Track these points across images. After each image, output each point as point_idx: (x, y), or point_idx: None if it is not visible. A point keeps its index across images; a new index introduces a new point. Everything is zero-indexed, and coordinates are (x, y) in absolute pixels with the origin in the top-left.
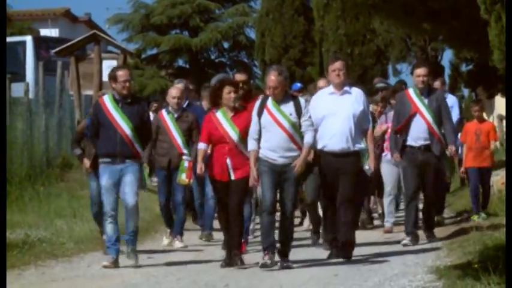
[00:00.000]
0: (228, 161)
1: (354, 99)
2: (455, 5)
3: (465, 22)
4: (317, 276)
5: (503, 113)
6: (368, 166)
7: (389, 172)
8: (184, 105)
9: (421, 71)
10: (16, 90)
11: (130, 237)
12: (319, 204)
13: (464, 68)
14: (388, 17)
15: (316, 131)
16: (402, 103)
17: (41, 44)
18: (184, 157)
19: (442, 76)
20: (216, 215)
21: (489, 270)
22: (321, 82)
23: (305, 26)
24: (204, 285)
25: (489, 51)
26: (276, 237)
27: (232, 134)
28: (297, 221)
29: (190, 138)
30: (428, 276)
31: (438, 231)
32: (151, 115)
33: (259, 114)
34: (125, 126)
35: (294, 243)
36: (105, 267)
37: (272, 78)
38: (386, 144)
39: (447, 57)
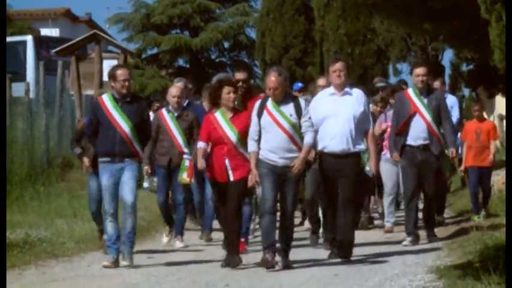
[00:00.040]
0: (227, 162)
1: (355, 100)
2: (455, 5)
3: (466, 22)
4: (317, 276)
5: (504, 112)
6: (369, 167)
7: (388, 172)
8: (185, 104)
9: (420, 70)
10: (17, 90)
11: (128, 238)
12: (319, 205)
13: (464, 67)
14: (388, 16)
15: (316, 131)
16: (401, 103)
17: (42, 43)
18: (185, 156)
19: (442, 76)
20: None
21: (489, 270)
22: (320, 81)
23: (305, 25)
24: (204, 284)
25: (490, 51)
26: (276, 237)
27: (231, 135)
28: (297, 221)
29: (191, 137)
30: (428, 276)
31: (439, 231)
32: (152, 115)
33: (259, 115)
34: (124, 125)
35: (294, 243)
36: (105, 267)
37: (272, 79)
38: (385, 143)
39: (448, 57)
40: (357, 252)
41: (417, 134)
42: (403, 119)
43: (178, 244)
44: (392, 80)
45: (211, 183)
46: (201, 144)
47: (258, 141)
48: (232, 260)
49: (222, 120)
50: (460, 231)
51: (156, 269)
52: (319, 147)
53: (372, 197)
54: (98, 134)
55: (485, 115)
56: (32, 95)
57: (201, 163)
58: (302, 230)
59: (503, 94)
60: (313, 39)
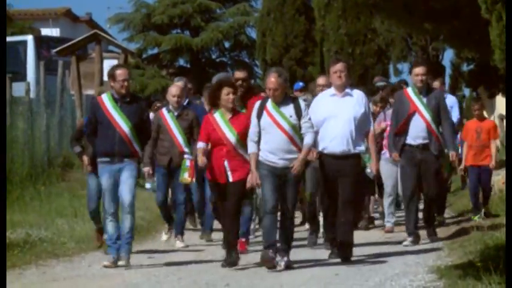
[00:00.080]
0: (226, 163)
1: (356, 101)
2: (456, 5)
3: (466, 22)
4: (318, 275)
5: (504, 112)
6: (370, 169)
7: (388, 172)
8: (185, 104)
9: (419, 70)
10: (17, 89)
11: (126, 238)
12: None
13: (465, 67)
14: (389, 16)
15: (317, 132)
16: (401, 102)
17: (42, 43)
18: (185, 156)
19: (443, 76)
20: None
21: (490, 270)
22: (320, 80)
23: (306, 25)
24: (204, 284)
25: (490, 51)
26: (277, 237)
27: (230, 136)
28: (297, 221)
29: (191, 136)
30: (429, 275)
31: (439, 231)
32: (152, 115)
33: (259, 116)
34: (123, 125)
35: (295, 243)
36: (105, 266)
37: (272, 80)
38: (384, 142)
39: (448, 56)
40: (357, 252)
41: (416, 133)
42: (402, 118)
43: (178, 244)
44: (393, 80)
45: (211, 184)
46: (200, 145)
47: (258, 142)
48: (230, 260)
49: (221, 121)
50: (461, 231)
51: (157, 269)
52: (320, 148)
53: (372, 197)
54: (97, 133)
55: (485, 114)
56: (32, 94)
57: (201, 160)
58: (302, 230)
59: (503, 94)
60: (313, 39)
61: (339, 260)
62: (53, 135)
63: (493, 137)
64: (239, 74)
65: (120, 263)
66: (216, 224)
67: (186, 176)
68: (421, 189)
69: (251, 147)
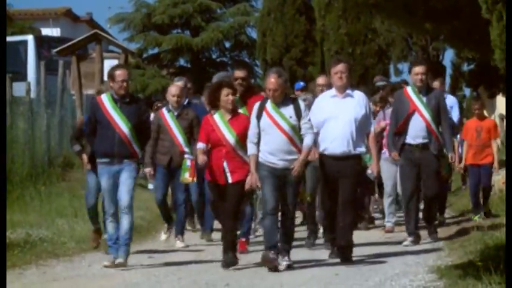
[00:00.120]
0: (225, 164)
1: (356, 102)
2: (456, 5)
3: (466, 22)
4: (318, 275)
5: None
6: (370, 170)
7: (388, 172)
8: (185, 103)
9: (419, 69)
10: (18, 89)
11: (123, 239)
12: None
13: (465, 67)
14: (389, 16)
15: (317, 133)
16: (400, 101)
17: (43, 43)
18: (186, 156)
19: (443, 76)
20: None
21: (490, 270)
22: (320, 79)
23: (306, 25)
24: (204, 284)
25: (490, 51)
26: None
27: (229, 137)
28: (297, 221)
29: (191, 136)
30: (429, 275)
31: (439, 231)
32: (152, 115)
33: (258, 117)
34: (123, 126)
35: (295, 243)
36: (106, 266)
37: (272, 80)
38: (384, 142)
39: (448, 56)
40: (357, 252)
41: (416, 132)
42: (402, 117)
43: (178, 244)
44: (394, 80)
45: (210, 185)
46: (200, 145)
47: (258, 143)
48: (226, 260)
49: (220, 122)
50: (461, 231)
51: (157, 269)
52: (320, 149)
53: (372, 197)
54: (96, 133)
55: (485, 113)
56: (33, 94)
57: (202, 158)
58: (303, 230)
59: (504, 94)
60: (314, 39)
61: (338, 260)
62: (53, 135)
63: (493, 136)
64: (239, 73)
65: (117, 261)
66: (216, 224)
67: (187, 176)
68: (421, 188)
69: (251, 148)
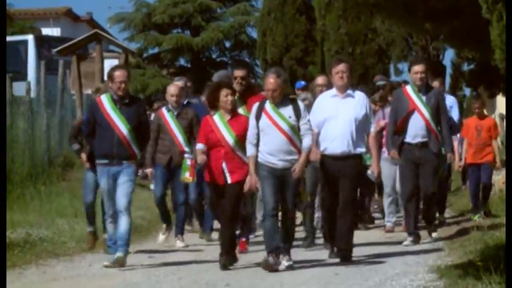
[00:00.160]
0: (224, 165)
1: (357, 102)
2: (456, 5)
3: (466, 21)
4: (318, 275)
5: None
6: (371, 171)
7: (387, 172)
8: (185, 103)
9: (419, 67)
10: (18, 89)
11: (121, 240)
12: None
13: (465, 67)
14: (389, 16)
15: (318, 133)
16: (399, 100)
17: (43, 43)
18: (186, 155)
19: (443, 75)
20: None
21: (490, 270)
22: (319, 79)
23: (306, 25)
24: (204, 284)
25: (491, 51)
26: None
27: (228, 137)
28: (297, 221)
29: (191, 135)
30: (429, 275)
31: (439, 231)
32: (153, 115)
33: (257, 117)
34: (122, 127)
35: (295, 243)
36: (106, 266)
37: (271, 80)
38: (383, 141)
39: (449, 56)
40: (357, 252)
41: (415, 131)
42: (401, 116)
43: (178, 244)
44: (394, 80)
45: (209, 186)
46: (199, 146)
47: (257, 144)
48: (221, 262)
49: (219, 123)
50: (461, 231)
51: (157, 269)
52: (321, 149)
53: (372, 197)
54: (95, 134)
55: (485, 112)
56: (33, 94)
57: (201, 158)
58: (302, 230)
59: (504, 94)
60: (314, 38)
61: (338, 259)
62: (53, 134)
63: (493, 135)
64: (238, 72)
65: (116, 255)
66: (216, 224)
67: (187, 175)
68: (420, 188)
69: (250, 149)
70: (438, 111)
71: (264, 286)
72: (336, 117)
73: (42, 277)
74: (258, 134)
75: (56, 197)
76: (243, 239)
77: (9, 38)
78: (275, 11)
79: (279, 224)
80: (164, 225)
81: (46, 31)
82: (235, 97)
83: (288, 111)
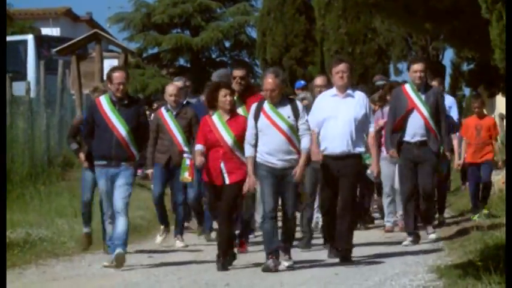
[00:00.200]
0: (222, 165)
1: (356, 102)
2: (456, 5)
3: (466, 21)
4: (318, 275)
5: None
6: (370, 170)
7: (386, 172)
8: (184, 102)
9: (417, 66)
10: (17, 89)
11: (118, 240)
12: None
13: (465, 67)
14: (389, 16)
15: (318, 133)
16: (398, 99)
17: (43, 43)
18: (185, 155)
19: (443, 76)
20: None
21: (490, 270)
22: (318, 80)
23: (306, 25)
24: (204, 284)
25: (490, 51)
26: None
27: (227, 138)
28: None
29: (190, 135)
30: (429, 275)
31: (439, 231)
32: (152, 115)
33: (256, 118)
34: (121, 128)
35: (295, 243)
36: (105, 266)
37: (269, 80)
38: (383, 140)
39: (448, 56)
40: (357, 252)
41: (414, 130)
42: (400, 114)
43: (178, 244)
44: (394, 79)
45: (207, 186)
46: (198, 147)
47: (255, 145)
48: (218, 263)
49: (218, 123)
50: (461, 231)
51: (156, 269)
52: (320, 148)
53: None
54: (94, 134)
55: (485, 112)
56: (32, 94)
57: (199, 160)
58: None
59: (503, 93)
60: (313, 38)
61: (338, 259)
62: (53, 134)
63: (493, 134)
64: (237, 72)
65: (116, 252)
66: (216, 224)
67: (186, 175)
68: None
69: (248, 150)
70: (437, 110)
71: (264, 286)
72: (335, 117)
73: (42, 277)
74: (256, 135)
75: (55, 197)
76: (243, 239)
77: (9, 38)
78: (275, 11)
79: (279, 224)
80: (162, 227)
81: (46, 31)
82: (235, 97)
83: (286, 110)
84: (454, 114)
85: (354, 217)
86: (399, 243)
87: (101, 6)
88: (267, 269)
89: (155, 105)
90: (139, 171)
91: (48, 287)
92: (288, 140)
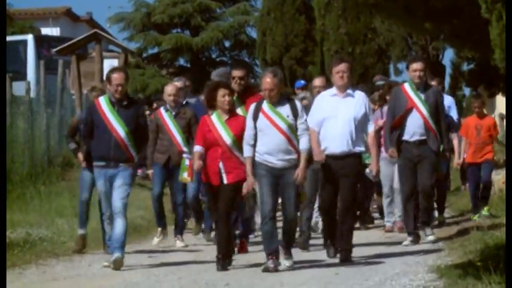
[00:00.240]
0: (221, 164)
1: (356, 102)
2: (456, 4)
3: (466, 21)
4: (318, 275)
5: (504, 111)
6: (369, 169)
7: (386, 172)
8: (184, 102)
9: (417, 65)
10: (17, 89)
11: (116, 242)
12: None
13: (465, 67)
14: (389, 16)
15: (318, 132)
16: (398, 98)
17: (42, 42)
18: (184, 155)
19: (443, 75)
20: None
21: (490, 269)
22: (316, 81)
23: (306, 25)
24: (204, 284)
25: (490, 50)
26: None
27: (226, 137)
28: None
29: (189, 135)
30: (429, 275)
31: (439, 231)
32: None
33: (255, 118)
34: (120, 130)
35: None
36: (105, 266)
37: (268, 80)
38: (382, 141)
39: (448, 56)
40: (357, 252)
41: (413, 129)
42: (399, 114)
43: (178, 244)
44: (394, 79)
45: (206, 186)
46: (197, 148)
47: (254, 145)
48: (217, 265)
49: (217, 123)
50: (461, 231)
51: (156, 268)
52: (320, 148)
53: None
54: (92, 135)
55: (485, 111)
56: (32, 94)
57: (198, 164)
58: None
59: (503, 93)
60: (313, 38)
61: (338, 259)
62: (53, 134)
63: (493, 134)
64: (237, 73)
65: (114, 256)
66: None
67: (185, 176)
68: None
69: (246, 150)
70: (437, 109)
71: (264, 286)
72: (335, 116)
73: (42, 277)
74: (255, 135)
75: (55, 197)
76: (243, 239)
77: (8, 38)
78: (275, 10)
79: (279, 224)
80: (159, 229)
81: (45, 31)
82: (234, 97)
83: (285, 110)
84: (453, 113)
85: (354, 217)
86: (399, 243)
87: (101, 6)
88: (267, 270)
89: (155, 105)
90: (139, 171)
91: (48, 287)
92: (288, 140)
